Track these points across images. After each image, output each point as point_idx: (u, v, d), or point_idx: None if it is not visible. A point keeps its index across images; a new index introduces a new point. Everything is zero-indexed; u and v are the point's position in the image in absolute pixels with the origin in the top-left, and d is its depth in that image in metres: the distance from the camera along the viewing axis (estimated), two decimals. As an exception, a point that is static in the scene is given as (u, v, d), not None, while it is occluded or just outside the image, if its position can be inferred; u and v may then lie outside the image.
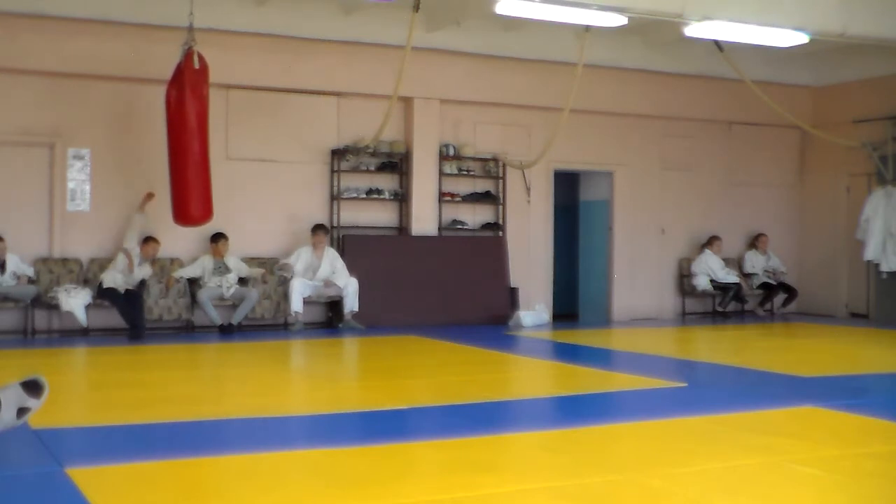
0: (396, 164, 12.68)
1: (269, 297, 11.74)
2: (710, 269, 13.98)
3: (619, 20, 10.26)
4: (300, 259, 11.67)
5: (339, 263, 11.82)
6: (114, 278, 10.74)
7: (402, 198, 12.68)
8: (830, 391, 7.34)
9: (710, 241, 14.14)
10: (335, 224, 12.27)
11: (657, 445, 5.31)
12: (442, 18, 11.95)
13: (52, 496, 4.21)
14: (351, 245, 12.23)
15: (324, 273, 11.68)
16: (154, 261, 11.15)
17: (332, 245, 12.09)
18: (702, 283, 14.01)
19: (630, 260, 14.05)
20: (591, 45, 10.94)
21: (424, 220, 12.65)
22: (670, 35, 11.95)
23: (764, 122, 14.35)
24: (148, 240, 11.05)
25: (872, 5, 10.85)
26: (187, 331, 11.37)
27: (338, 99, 12.33)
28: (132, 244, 10.92)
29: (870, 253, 13.48)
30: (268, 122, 11.92)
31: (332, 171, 12.27)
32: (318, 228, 11.78)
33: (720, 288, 14.00)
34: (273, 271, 11.74)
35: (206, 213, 10.50)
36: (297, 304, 11.51)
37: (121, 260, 10.89)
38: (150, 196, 10.99)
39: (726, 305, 14.09)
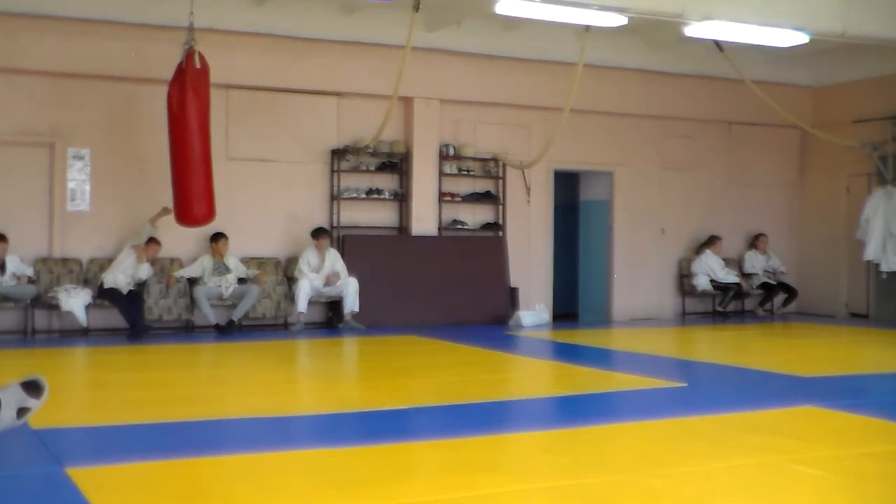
0: (396, 164, 12.68)
1: (268, 296, 11.74)
2: (711, 269, 13.97)
3: (619, 20, 10.26)
4: (307, 261, 11.68)
5: (340, 264, 11.83)
6: (115, 278, 10.74)
7: (402, 198, 12.68)
8: (830, 391, 7.34)
9: (710, 241, 14.14)
10: (335, 224, 12.27)
11: (657, 445, 5.31)
12: (442, 18, 11.95)
13: (52, 496, 4.21)
14: (351, 245, 12.23)
15: (327, 272, 11.70)
16: (154, 261, 11.15)
17: (332, 245, 12.08)
18: (702, 283, 14.01)
19: (630, 260, 14.05)
20: (591, 45, 10.94)
21: (424, 220, 12.65)
22: (670, 35, 11.94)
23: (764, 122, 14.35)
24: (149, 241, 11.05)
25: (872, 5, 10.85)
26: (187, 331, 11.37)
27: (338, 99, 12.33)
28: (140, 243, 10.96)
29: (870, 253, 13.47)
30: (268, 122, 11.92)
31: (332, 171, 12.27)
32: (319, 232, 11.77)
33: (720, 288, 13.99)
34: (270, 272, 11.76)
35: (208, 213, 10.49)
36: (303, 306, 11.52)
37: (126, 257, 10.87)
38: (166, 211, 10.80)
39: (726, 305, 14.09)
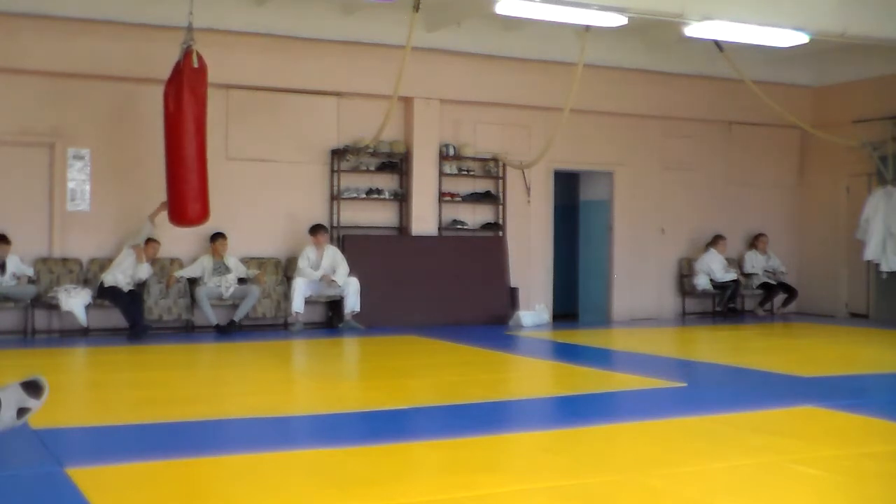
0: (396, 164, 12.68)
1: (268, 296, 11.74)
2: (710, 268, 13.95)
3: (619, 20, 10.26)
4: (306, 257, 11.66)
5: (341, 260, 11.79)
6: (115, 278, 10.74)
7: (402, 198, 12.68)
8: (830, 391, 7.34)
9: (715, 241, 14.11)
10: (335, 224, 12.27)
11: (657, 445, 5.31)
12: (442, 18, 11.95)
13: (52, 496, 4.21)
14: (351, 245, 12.23)
15: (324, 270, 11.68)
16: (154, 261, 11.16)
17: (331, 244, 12.04)
18: (702, 282, 14.00)
19: (630, 260, 14.05)
20: (591, 45, 10.94)
21: (424, 220, 12.65)
22: (670, 35, 11.95)
23: (764, 122, 14.35)
24: (148, 240, 11.04)
25: (872, 5, 10.85)
26: (187, 331, 11.37)
27: (338, 99, 12.33)
28: (140, 242, 10.95)
29: (870, 253, 13.47)
30: (268, 122, 11.92)
31: (332, 171, 12.27)
32: (316, 229, 11.76)
33: (719, 287, 13.99)
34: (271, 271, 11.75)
35: (202, 214, 10.48)
36: (298, 305, 11.50)
37: (126, 258, 10.87)
38: (164, 206, 10.72)
39: (726, 304, 14.07)
